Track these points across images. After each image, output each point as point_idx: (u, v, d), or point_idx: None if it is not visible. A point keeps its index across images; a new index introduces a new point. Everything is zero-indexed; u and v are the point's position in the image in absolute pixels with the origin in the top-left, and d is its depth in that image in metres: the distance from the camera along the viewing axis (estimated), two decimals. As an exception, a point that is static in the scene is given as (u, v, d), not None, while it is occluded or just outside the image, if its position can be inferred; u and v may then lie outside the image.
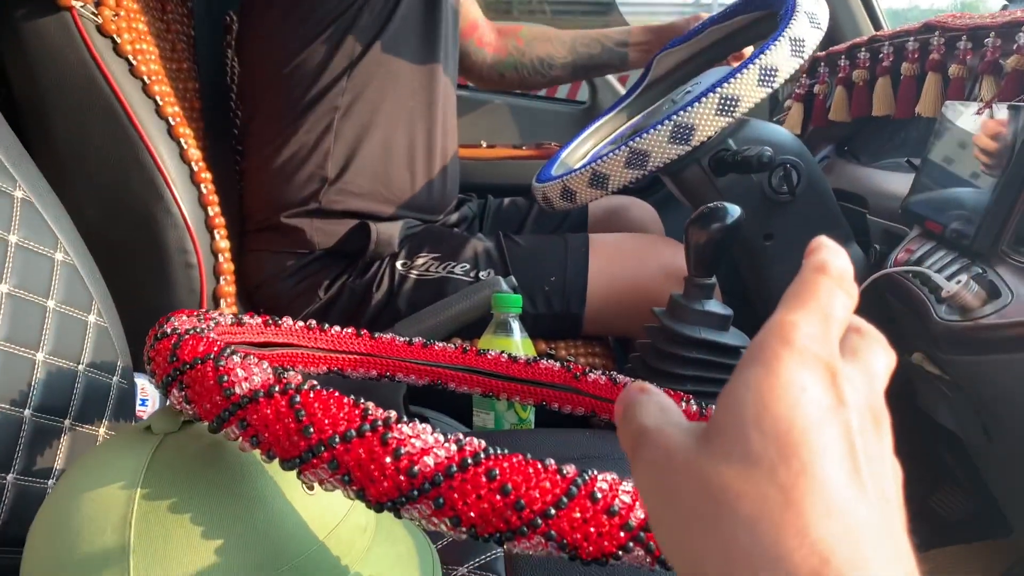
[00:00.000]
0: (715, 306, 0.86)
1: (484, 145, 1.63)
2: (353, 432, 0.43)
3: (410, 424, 0.43)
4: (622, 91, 1.79)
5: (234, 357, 0.47)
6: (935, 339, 0.83)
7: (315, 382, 0.45)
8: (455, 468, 0.41)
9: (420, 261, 1.14)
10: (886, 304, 1.02)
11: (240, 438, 0.45)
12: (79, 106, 0.94)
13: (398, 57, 1.15)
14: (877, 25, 1.56)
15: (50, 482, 0.61)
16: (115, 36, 0.97)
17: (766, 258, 1.18)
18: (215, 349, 0.48)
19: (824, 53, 1.43)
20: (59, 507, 0.48)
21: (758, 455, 0.24)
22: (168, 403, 0.52)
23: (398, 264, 1.14)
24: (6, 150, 0.68)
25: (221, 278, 1.03)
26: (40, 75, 0.94)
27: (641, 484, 0.28)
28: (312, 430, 0.43)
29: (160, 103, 0.98)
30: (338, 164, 1.14)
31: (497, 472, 0.41)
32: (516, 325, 0.90)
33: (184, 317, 0.57)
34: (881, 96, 1.22)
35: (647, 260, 1.12)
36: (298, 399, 0.44)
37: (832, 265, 0.28)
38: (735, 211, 0.85)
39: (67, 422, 0.64)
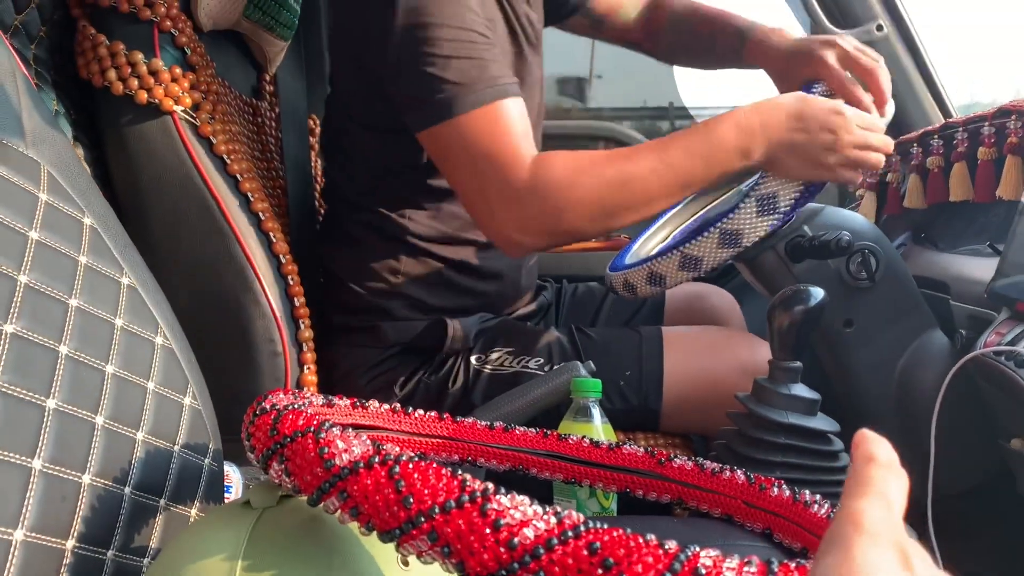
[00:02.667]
0: (802, 390, 0.84)
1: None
2: (452, 503, 0.43)
3: (508, 495, 0.43)
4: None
5: (333, 430, 0.48)
6: (1036, 423, 0.80)
7: (412, 454, 0.46)
8: (556, 540, 0.41)
9: (495, 356, 1.14)
10: (977, 389, 0.99)
11: (340, 510, 0.46)
12: (176, 201, 1.00)
13: None
14: (946, 113, 1.57)
15: (145, 560, 0.62)
16: (211, 137, 1.02)
17: (846, 345, 1.16)
18: (315, 423, 0.49)
19: (895, 141, 1.43)
20: (162, 580, 0.49)
21: None
22: (264, 478, 0.53)
23: (472, 359, 1.15)
24: (114, 240, 0.72)
25: (305, 367, 1.05)
26: (140, 173, 1.00)
27: None
28: (412, 501, 0.43)
29: (251, 199, 1.03)
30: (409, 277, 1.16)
31: (598, 545, 0.41)
32: (596, 410, 0.90)
33: (281, 395, 0.59)
34: (958, 181, 1.22)
35: (724, 356, 1.11)
36: (397, 470, 0.44)
37: (880, 455, 0.32)
38: (818, 293, 0.84)
39: (162, 501, 0.65)
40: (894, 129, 1.38)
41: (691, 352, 1.13)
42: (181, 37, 1.04)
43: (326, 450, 0.47)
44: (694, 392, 1.10)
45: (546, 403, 0.94)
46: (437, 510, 0.43)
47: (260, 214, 1.03)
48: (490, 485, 0.43)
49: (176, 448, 0.69)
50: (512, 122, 0.96)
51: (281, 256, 1.04)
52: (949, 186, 1.26)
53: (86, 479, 0.57)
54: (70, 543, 0.54)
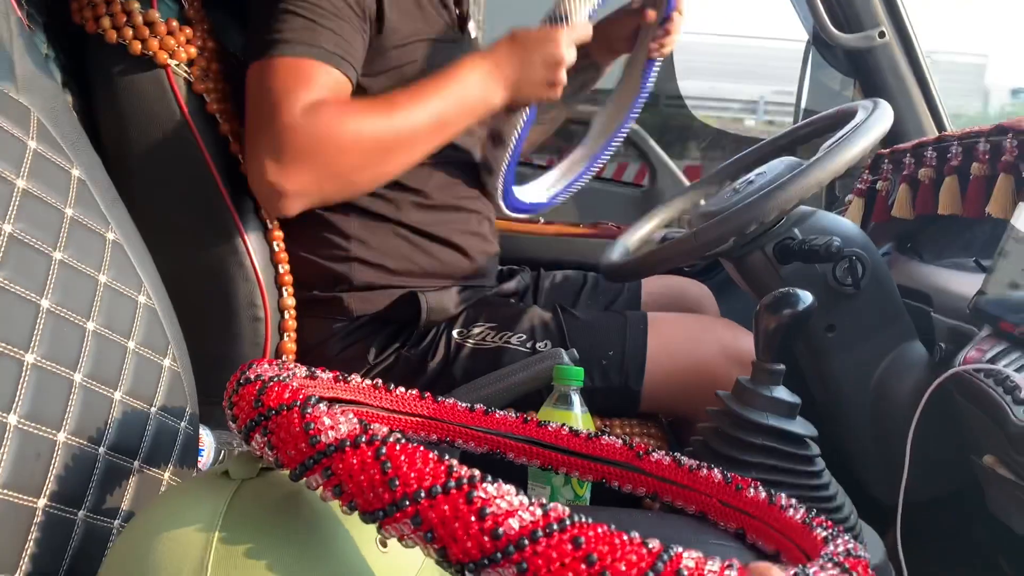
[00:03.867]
0: (783, 393, 0.84)
1: (541, 221, 1.65)
2: (439, 488, 0.42)
3: (495, 484, 0.42)
4: (683, 178, 1.82)
5: (320, 406, 0.48)
6: (1011, 442, 0.81)
7: (399, 435, 0.45)
8: (540, 532, 0.41)
9: (477, 330, 1.14)
10: (953, 402, 1.00)
11: (322, 487, 0.45)
12: (164, 157, 0.97)
13: None
14: (941, 126, 1.58)
15: (116, 522, 0.61)
16: (204, 95, 1.00)
17: (827, 349, 1.16)
18: (301, 396, 0.48)
19: (888, 150, 1.43)
20: (134, 547, 0.48)
21: None
22: (242, 447, 0.52)
23: (454, 333, 1.14)
24: (102, 193, 0.71)
25: (285, 335, 1.04)
26: (129, 125, 0.98)
27: None
28: (397, 483, 0.43)
29: (240, 160, 1.01)
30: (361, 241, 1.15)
31: (583, 540, 0.40)
32: (577, 399, 0.89)
33: (266, 365, 0.58)
34: (948, 195, 1.22)
35: (707, 340, 1.12)
36: (384, 451, 0.44)
37: None
38: (807, 298, 0.84)
39: (136, 463, 0.64)
40: (889, 138, 1.39)
41: (674, 335, 1.13)
42: (180, -11, 1.01)
43: (312, 426, 0.46)
44: (675, 375, 1.10)
45: (527, 388, 0.94)
46: (423, 494, 0.42)
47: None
48: (477, 472, 0.43)
49: (153, 410, 0.68)
50: (312, 84, 0.95)
51: (268, 221, 1.02)
52: (938, 199, 1.26)
53: (61, 437, 0.56)
54: (41, 502, 0.53)
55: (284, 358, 1.04)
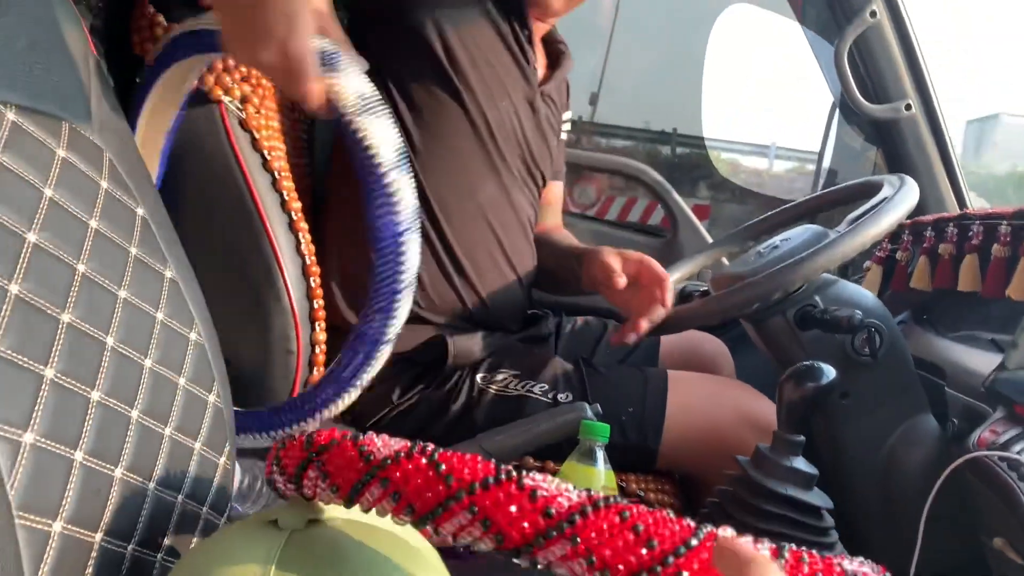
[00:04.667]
0: (802, 464, 0.86)
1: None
2: (491, 479, 0.45)
3: (542, 476, 0.45)
4: (704, 232, 1.84)
5: (370, 433, 0.50)
6: (1023, 527, 0.83)
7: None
8: (589, 508, 0.44)
9: (500, 377, 1.16)
10: (965, 482, 1.02)
11: (379, 500, 0.47)
12: (212, 190, 1.00)
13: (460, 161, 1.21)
14: (962, 202, 1.60)
15: (159, 556, 0.63)
16: (254, 132, 1.03)
17: (841, 415, 1.18)
18: (348, 433, 0.51)
19: (910, 222, 1.46)
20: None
21: None
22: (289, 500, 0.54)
23: (478, 377, 1.16)
24: (162, 232, 0.73)
25: (315, 369, 1.06)
26: (181, 157, 1.00)
27: None
28: (452, 479, 0.46)
29: (286, 198, 1.04)
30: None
31: (628, 514, 0.44)
32: (601, 455, 0.91)
33: None
34: (968, 273, 1.25)
35: (725, 403, 1.14)
36: (436, 456, 0.47)
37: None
38: (831, 372, 0.87)
39: (179, 498, 0.67)
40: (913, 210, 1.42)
41: (694, 396, 1.15)
42: (237, 28, 1.04)
43: (365, 448, 0.49)
44: (693, 435, 1.12)
45: (548, 439, 0.96)
46: (476, 486, 0.45)
47: (292, 214, 1.04)
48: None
49: (197, 445, 0.70)
50: None
51: (307, 257, 1.05)
52: (958, 275, 1.29)
53: (118, 473, 0.59)
54: (98, 536, 0.56)
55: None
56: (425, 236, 1.17)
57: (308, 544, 0.52)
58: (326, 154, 1.30)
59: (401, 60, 1.17)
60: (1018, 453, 0.88)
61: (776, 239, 1.22)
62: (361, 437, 0.49)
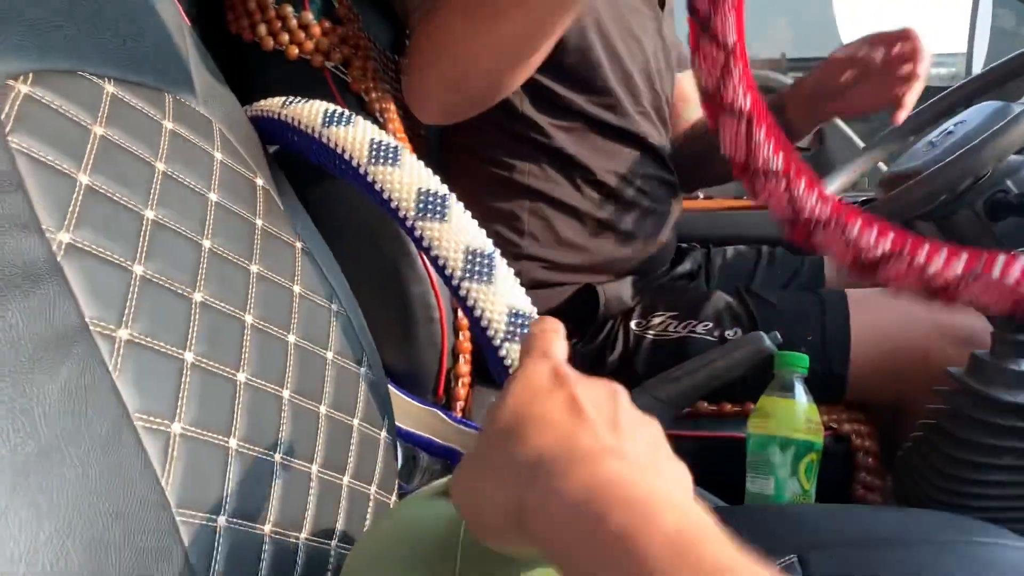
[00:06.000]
0: (1034, 365, 0.74)
1: (702, 197, 1.56)
2: None
3: None
4: (855, 138, 1.69)
5: None
6: None
7: None
8: None
9: (657, 320, 1.07)
10: None
11: None
12: (330, 162, 0.95)
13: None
14: None
15: (333, 543, 0.58)
16: (362, 94, 0.98)
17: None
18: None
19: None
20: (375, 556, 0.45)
21: (504, 424, 0.37)
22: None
23: (632, 324, 1.07)
24: (286, 201, 0.69)
25: (460, 333, 1.00)
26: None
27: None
28: None
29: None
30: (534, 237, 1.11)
31: None
32: (800, 386, 0.82)
33: None
34: None
35: (919, 319, 1.00)
36: None
37: (542, 326, 0.44)
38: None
39: (346, 479, 0.62)
40: None
41: (881, 313, 1.02)
42: (329, -12, 0.99)
43: None
44: (886, 357, 0.99)
45: (727, 378, 0.87)
46: None
47: (415, 175, 0.98)
48: None
49: (356, 422, 0.65)
50: None
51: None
52: None
53: (277, 458, 0.54)
54: (267, 528, 0.51)
55: (460, 359, 1.00)
56: (567, 184, 1.10)
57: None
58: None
59: None
60: None
61: (949, 124, 1.08)
62: None
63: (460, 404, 1.02)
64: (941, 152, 1.00)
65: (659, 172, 1.18)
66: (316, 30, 0.96)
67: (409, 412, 0.91)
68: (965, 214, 1.02)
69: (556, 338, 0.42)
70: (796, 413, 0.80)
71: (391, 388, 0.85)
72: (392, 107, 1.02)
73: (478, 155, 1.13)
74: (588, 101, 1.11)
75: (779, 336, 0.86)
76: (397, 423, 0.86)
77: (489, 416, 0.38)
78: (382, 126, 0.97)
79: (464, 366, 1.02)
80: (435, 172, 1.17)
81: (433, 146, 1.24)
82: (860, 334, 1.00)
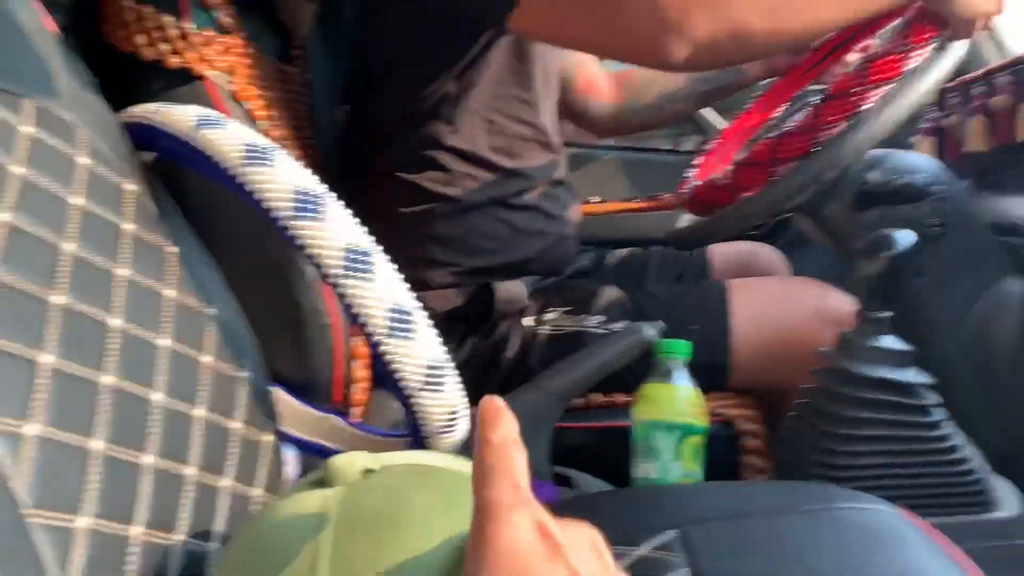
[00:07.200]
0: (893, 341, 0.79)
1: (597, 200, 1.60)
2: None
3: None
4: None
5: None
6: None
7: None
8: None
9: (550, 316, 1.09)
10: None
11: None
12: (214, 172, 0.94)
13: (498, 113, 1.13)
14: (1004, 53, 1.49)
15: (212, 545, 0.58)
16: (247, 103, 0.97)
17: (918, 297, 1.10)
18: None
19: (954, 83, 1.36)
20: (244, 554, 0.45)
21: None
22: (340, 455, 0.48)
23: (527, 321, 1.10)
24: (160, 206, 0.68)
25: (356, 338, 1.00)
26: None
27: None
28: None
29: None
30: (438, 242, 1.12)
31: None
32: (682, 372, 0.85)
33: None
34: (1031, 118, 1.15)
35: (795, 302, 1.05)
36: None
37: (492, 435, 0.34)
38: (907, 237, 0.79)
39: (225, 481, 0.61)
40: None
41: (760, 300, 1.06)
42: (211, -1, 0.98)
43: None
44: (766, 344, 1.03)
45: (614, 367, 0.89)
46: None
47: (301, 182, 0.98)
48: None
49: (236, 425, 0.65)
50: None
51: (325, 225, 0.99)
52: (1017, 126, 1.19)
53: (146, 459, 0.53)
54: (135, 529, 0.50)
55: (355, 363, 1.01)
56: (468, 191, 1.12)
57: (366, 496, 0.46)
58: (328, 120, 1.24)
59: None
60: None
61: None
62: None
63: (358, 409, 1.02)
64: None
65: (559, 175, 1.21)
66: (197, 39, 0.95)
67: (303, 419, 0.90)
68: (836, 207, 1.07)
69: (518, 456, 0.34)
70: (676, 397, 0.83)
71: (284, 395, 0.85)
72: (281, 116, 1.02)
73: (383, 161, 1.14)
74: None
75: (662, 324, 0.89)
76: (292, 431, 0.86)
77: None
78: (267, 133, 0.97)
79: (361, 371, 1.02)
80: (333, 183, 1.18)
81: (330, 156, 1.24)
82: (741, 322, 1.04)
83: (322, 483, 0.48)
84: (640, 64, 0.97)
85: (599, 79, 1.37)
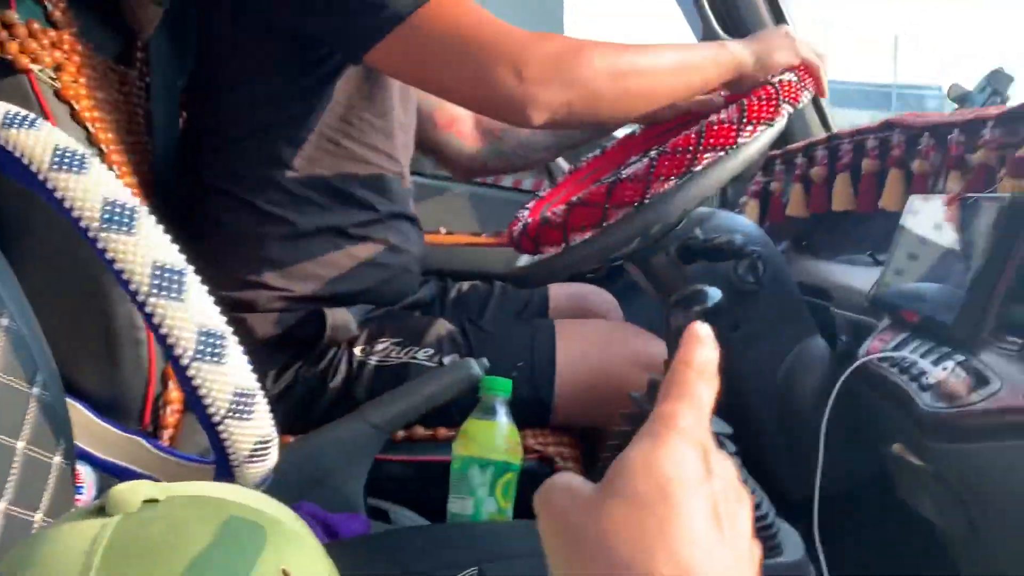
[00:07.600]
0: (697, 391, 0.83)
1: (443, 232, 1.61)
2: None
3: None
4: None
5: None
6: (919, 428, 0.82)
7: None
8: None
9: (380, 346, 1.08)
10: (859, 395, 1.01)
11: None
12: (29, 172, 0.89)
13: (347, 138, 1.12)
14: (827, 127, 1.62)
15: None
16: (73, 102, 0.92)
17: (731, 348, 1.16)
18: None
19: (780, 152, 1.46)
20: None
21: (643, 494, 0.32)
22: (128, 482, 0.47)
23: (356, 350, 1.08)
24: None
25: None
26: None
27: (545, 527, 0.35)
28: None
29: (117, 173, 0.93)
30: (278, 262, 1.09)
31: None
32: (502, 409, 0.86)
33: None
34: (841, 192, 1.25)
35: (617, 348, 1.09)
36: None
37: (696, 359, 0.36)
38: (716, 293, 0.84)
39: (1, 504, 0.57)
40: (779, 141, 1.41)
41: (583, 342, 1.10)
42: (42, -11, 0.93)
43: None
44: (587, 384, 1.07)
45: (438, 402, 0.90)
46: None
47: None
48: None
49: (20, 444, 0.61)
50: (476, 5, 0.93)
51: (149, 236, 0.95)
52: (832, 196, 1.29)
53: (-94, 480, 0.49)
54: None
55: (171, 383, 0.97)
56: (306, 216, 1.09)
57: (142, 527, 0.44)
58: (166, 127, 1.19)
59: None
60: (909, 355, 0.87)
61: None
62: None
63: (168, 432, 0.98)
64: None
65: (404, 207, 1.21)
66: (21, 30, 0.90)
67: (108, 440, 0.86)
68: (662, 258, 1.12)
69: (708, 387, 0.36)
70: (496, 435, 0.85)
71: (87, 413, 0.81)
72: (106, 118, 0.98)
73: (218, 176, 1.10)
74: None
75: (487, 362, 0.90)
76: (95, 451, 0.81)
77: (621, 471, 0.33)
78: (92, 136, 0.93)
79: (175, 392, 0.98)
80: (167, 193, 1.14)
81: (168, 163, 1.19)
82: (565, 362, 1.07)
83: (102, 511, 0.46)
84: (498, 120, 1.01)
85: (462, 117, 1.37)
